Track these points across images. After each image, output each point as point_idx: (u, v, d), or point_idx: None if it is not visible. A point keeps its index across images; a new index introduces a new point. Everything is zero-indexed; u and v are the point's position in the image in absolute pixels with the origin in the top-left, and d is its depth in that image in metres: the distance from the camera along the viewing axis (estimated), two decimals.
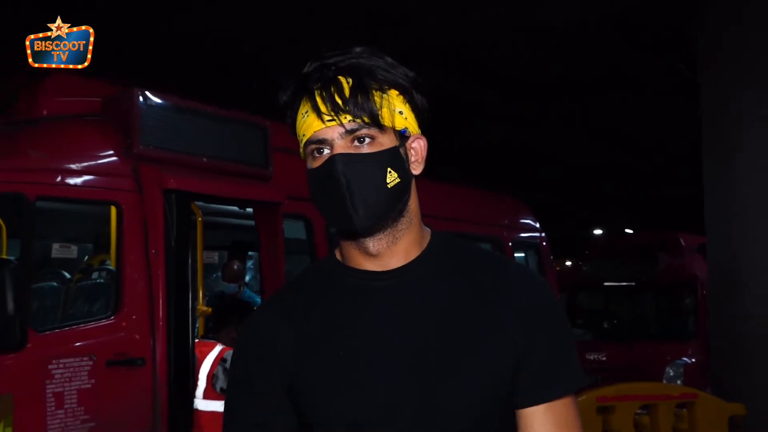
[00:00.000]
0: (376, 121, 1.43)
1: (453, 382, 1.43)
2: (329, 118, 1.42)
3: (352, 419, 1.44)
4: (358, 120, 1.42)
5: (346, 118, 1.42)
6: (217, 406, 4.80)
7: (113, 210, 5.14)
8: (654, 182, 22.25)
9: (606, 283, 11.55)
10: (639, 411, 7.00)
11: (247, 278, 7.35)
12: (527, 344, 1.46)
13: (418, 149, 1.53)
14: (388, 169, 1.44)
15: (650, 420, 7.16)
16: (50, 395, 4.52)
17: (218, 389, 4.85)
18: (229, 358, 4.82)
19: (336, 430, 1.46)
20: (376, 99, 1.43)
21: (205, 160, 5.62)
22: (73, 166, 5.06)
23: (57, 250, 6.22)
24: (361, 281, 1.51)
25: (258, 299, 6.26)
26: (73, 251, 6.26)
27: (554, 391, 1.47)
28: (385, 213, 1.45)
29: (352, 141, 1.43)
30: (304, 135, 1.45)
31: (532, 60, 12.13)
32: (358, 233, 1.46)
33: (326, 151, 1.44)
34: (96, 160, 5.20)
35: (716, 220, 8.36)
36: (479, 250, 1.66)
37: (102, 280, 5.43)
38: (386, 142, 1.45)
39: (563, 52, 11.92)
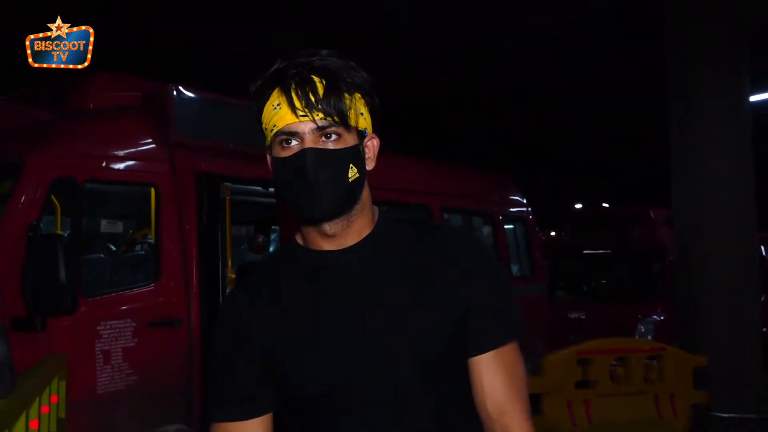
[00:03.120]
0: (344, 121, 1.42)
1: (404, 338, 1.44)
2: (303, 113, 1.39)
3: (324, 383, 1.44)
4: (329, 118, 1.40)
5: (318, 115, 1.40)
6: None
7: (152, 191, 5.12)
8: (626, 161, 22.14)
9: (585, 252, 11.52)
10: (614, 362, 6.99)
11: (270, 249, 7.32)
12: (473, 299, 1.48)
13: (371, 147, 1.52)
14: (350, 165, 1.44)
15: (624, 370, 7.15)
16: (99, 353, 4.52)
17: None
18: None
19: (311, 395, 1.45)
20: (346, 101, 1.42)
21: (232, 145, 5.58)
22: (117, 153, 5.03)
23: (105, 225, 6.19)
24: (321, 259, 1.51)
25: None
26: (119, 227, 6.23)
27: (501, 339, 1.49)
28: (345, 203, 1.46)
29: (320, 136, 1.42)
30: (275, 125, 1.42)
31: (521, 59, 11.99)
32: (319, 220, 1.46)
33: (294, 143, 1.42)
34: (136, 147, 5.17)
35: (681, 196, 8.32)
36: (419, 220, 1.71)
37: (143, 252, 5.42)
38: (349, 140, 1.45)
39: (545, 50, 11.77)
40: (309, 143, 1.41)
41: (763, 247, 13.09)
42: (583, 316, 10.14)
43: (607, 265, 11.54)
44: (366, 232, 1.52)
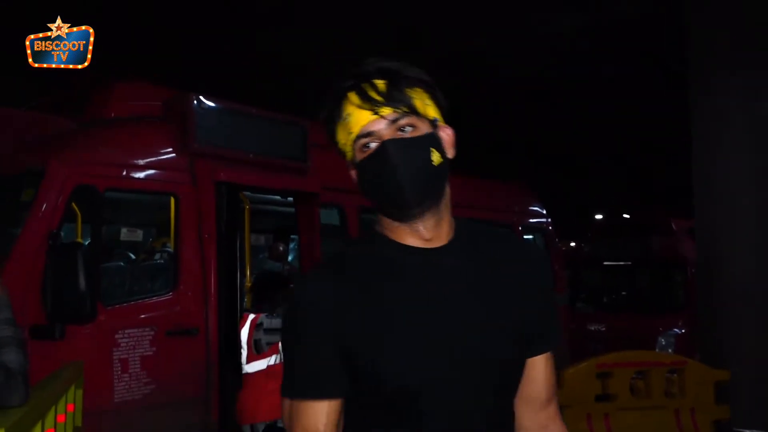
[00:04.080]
0: (413, 110, 1.44)
1: (486, 344, 1.47)
2: (372, 113, 1.42)
3: (412, 379, 1.43)
4: (398, 111, 1.43)
5: (386, 110, 1.42)
6: (261, 365, 4.77)
7: (172, 200, 5.12)
8: (650, 171, 21.93)
9: (605, 262, 11.39)
10: (634, 376, 6.89)
11: (289, 258, 7.31)
12: (541, 306, 1.56)
13: (446, 137, 1.53)
14: (432, 149, 1.45)
15: (644, 384, 7.04)
16: (117, 361, 4.52)
17: (264, 347, 4.79)
18: (264, 322, 4.79)
19: (399, 387, 1.44)
20: (409, 93, 1.44)
21: (251, 155, 5.57)
22: (137, 162, 5.04)
23: (125, 234, 6.23)
24: (410, 256, 1.50)
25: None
26: (138, 235, 6.27)
27: (556, 342, 1.61)
28: (432, 190, 1.46)
29: (396, 130, 1.43)
30: (350, 133, 1.44)
31: (536, 63, 11.90)
32: (412, 208, 1.45)
33: (373, 144, 1.44)
34: (157, 156, 5.17)
35: (703, 206, 8.17)
36: (492, 229, 1.70)
37: (162, 261, 5.42)
38: (424, 128, 1.46)
39: (563, 55, 11.69)
40: (387, 137, 1.42)
41: None
42: (603, 328, 10.03)
43: (627, 277, 11.40)
44: (450, 234, 1.53)
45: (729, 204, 7.86)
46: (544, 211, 9.46)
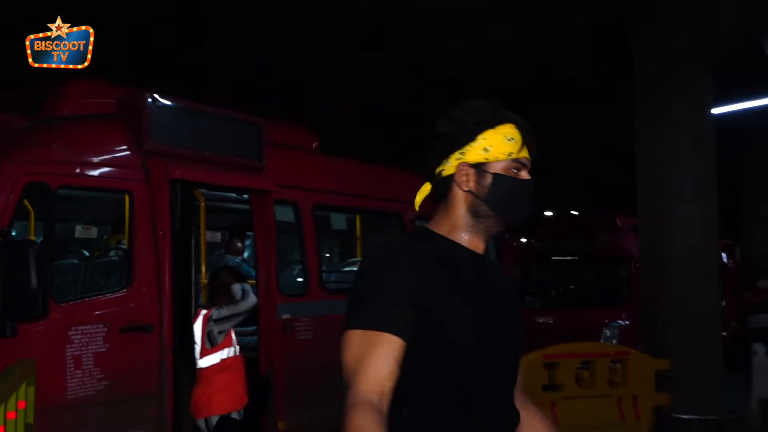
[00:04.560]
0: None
1: (514, 327, 1.83)
2: (529, 154, 1.78)
3: (472, 347, 1.67)
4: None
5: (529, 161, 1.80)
6: (214, 359, 4.72)
7: (126, 197, 5.03)
8: (597, 170, 22.26)
9: (554, 258, 11.54)
10: (580, 366, 7.00)
11: (245, 255, 7.25)
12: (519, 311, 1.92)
13: None
14: None
15: (589, 374, 7.16)
16: (70, 358, 4.43)
17: (217, 337, 4.74)
18: (214, 314, 4.75)
19: (464, 350, 1.66)
20: None
21: (206, 153, 5.50)
22: (91, 159, 4.94)
23: (80, 231, 6.11)
24: (463, 253, 1.76)
25: (253, 273, 6.18)
26: (93, 232, 6.15)
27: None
28: None
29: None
30: (511, 153, 1.73)
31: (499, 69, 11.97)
32: (519, 226, 1.85)
33: (524, 172, 1.77)
34: (111, 154, 5.07)
35: (647, 205, 8.34)
36: None
37: (116, 258, 5.33)
38: None
39: (523, 61, 11.78)
40: (527, 174, 1.78)
41: (724, 255, 13.23)
42: (551, 321, 10.15)
43: (574, 271, 11.56)
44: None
45: (671, 203, 8.04)
46: None
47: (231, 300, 4.90)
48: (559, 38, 10.63)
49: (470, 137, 1.71)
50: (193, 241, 5.34)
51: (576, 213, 24.54)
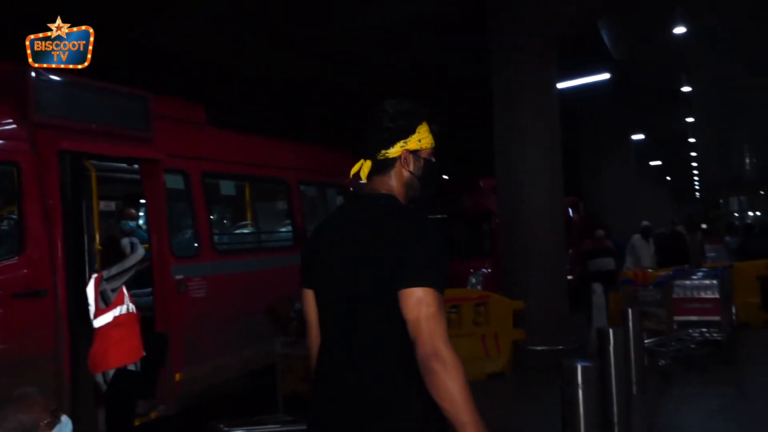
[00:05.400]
0: None
1: (362, 275, 1.87)
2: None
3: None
4: None
5: None
6: (108, 318, 4.52)
7: (14, 169, 4.69)
8: (462, 141, 22.76)
9: (428, 216, 11.71)
10: (449, 310, 7.21)
11: (140, 222, 6.94)
12: (398, 254, 1.82)
13: None
14: None
15: (457, 316, 7.38)
16: None
17: (110, 295, 4.53)
18: (104, 273, 4.55)
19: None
20: None
21: (94, 125, 5.20)
22: None
23: None
24: None
25: (146, 237, 5.95)
26: None
27: (406, 284, 1.79)
28: None
29: None
30: (432, 143, 2.11)
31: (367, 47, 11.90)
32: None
33: (433, 156, 2.13)
34: None
35: (504, 169, 8.61)
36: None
37: (7, 228, 4.98)
38: None
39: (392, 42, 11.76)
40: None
41: (570, 210, 13.91)
42: None
43: (445, 227, 11.82)
44: None
45: (522, 168, 8.34)
46: None
47: (120, 255, 4.69)
48: (425, 24, 10.66)
49: (411, 131, 2.06)
50: (84, 210, 5.06)
51: (446, 177, 25.00)
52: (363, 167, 2.07)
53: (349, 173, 2.12)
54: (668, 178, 40.27)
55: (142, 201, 6.87)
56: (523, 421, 5.58)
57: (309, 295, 2.03)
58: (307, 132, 13.31)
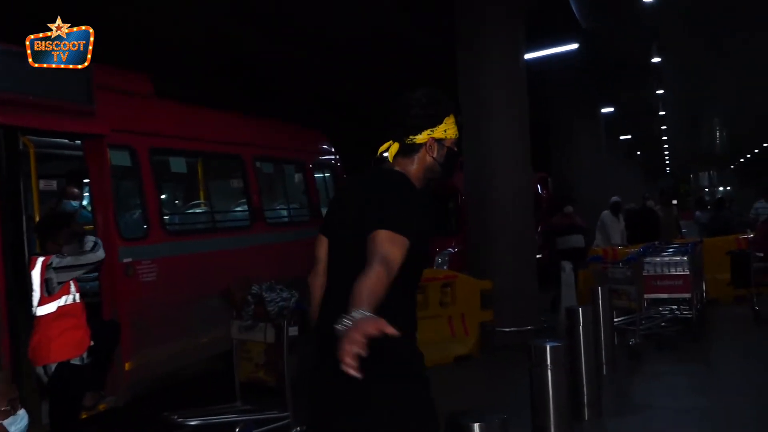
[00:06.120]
0: None
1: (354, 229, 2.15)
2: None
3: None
4: None
5: None
6: (51, 307, 4.38)
7: None
8: None
9: None
10: None
11: (84, 202, 6.76)
12: (377, 207, 2.11)
13: None
14: None
15: (423, 297, 7.39)
16: None
17: (55, 286, 4.40)
18: (54, 261, 4.40)
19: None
20: None
21: (31, 98, 5.00)
22: None
23: None
24: None
25: (90, 218, 5.79)
26: None
27: (371, 227, 2.03)
28: None
29: None
30: (456, 134, 2.37)
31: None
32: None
33: (455, 146, 2.39)
34: None
35: (471, 147, 8.57)
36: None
37: None
38: None
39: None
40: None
41: (539, 186, 14.01)
42: None
43: None
44: None
45: (490, 145, 8.34)
46: (333, 151, 9.54)
47: (73, 249, 4.55)
48: None
49: (439, 121, 2.33)
50: (22, 188, 4.89)
51: None
52: (391, 148, 2.36)
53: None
54: (638, 152, 40.95)
55: (86, 180, 6.71)
56: (492, 403, 5.64)
57: (323, 239, 2.37)
58: (263, 106, 13.17)
